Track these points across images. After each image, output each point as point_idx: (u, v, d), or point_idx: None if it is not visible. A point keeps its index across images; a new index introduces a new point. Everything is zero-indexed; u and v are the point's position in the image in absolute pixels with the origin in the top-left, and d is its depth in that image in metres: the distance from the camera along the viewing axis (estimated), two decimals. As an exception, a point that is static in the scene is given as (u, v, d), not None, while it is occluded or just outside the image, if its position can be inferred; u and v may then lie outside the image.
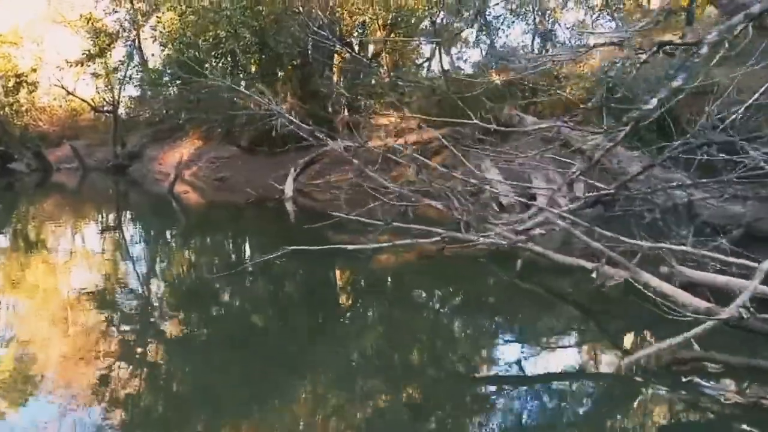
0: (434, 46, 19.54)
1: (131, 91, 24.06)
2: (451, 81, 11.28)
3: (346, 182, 12.10)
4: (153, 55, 14.58)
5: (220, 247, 8.47)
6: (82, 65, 18.78)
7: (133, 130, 24.03)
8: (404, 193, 5.14)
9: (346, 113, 11.63)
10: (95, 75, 22.73)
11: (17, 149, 21.73)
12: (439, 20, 11.36)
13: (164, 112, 14.89)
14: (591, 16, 22.86)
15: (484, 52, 19.66)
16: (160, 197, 15.10)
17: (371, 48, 15.53)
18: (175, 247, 8.38)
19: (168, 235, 9.45)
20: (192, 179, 17.93)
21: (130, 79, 17.37)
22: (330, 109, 11.78)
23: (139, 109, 18.79)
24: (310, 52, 11.96)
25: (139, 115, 18.37)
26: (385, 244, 4.83)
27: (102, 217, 11.88)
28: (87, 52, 18.15)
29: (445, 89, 10.98)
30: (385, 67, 12.59)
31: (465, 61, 15.58)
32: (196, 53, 11.81)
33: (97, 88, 25.49)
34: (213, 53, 11.70)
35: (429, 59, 17.07)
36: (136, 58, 19.12)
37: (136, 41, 20.38)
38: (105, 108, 22.93)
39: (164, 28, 12.51)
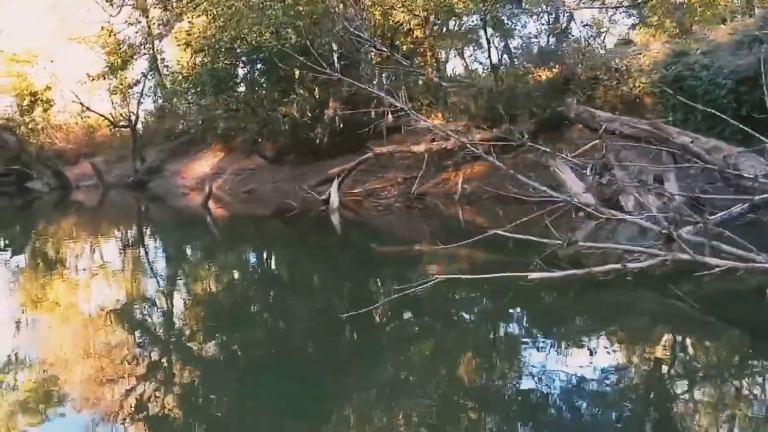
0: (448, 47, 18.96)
1: (149, 104, 23.77)
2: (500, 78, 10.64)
3: (393, 189, 11.46)
4: (187, 62, 13.85)
5: (295, 270, 7.21)
6: (104, 78, 18.31)
7: (149, 145, 23.58)
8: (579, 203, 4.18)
9: (390, 117, 11.03)
10: (114, 90, 22.32)
11: (36, 168, 21.27)
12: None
13: (199, 122, 14.28)
14: (606, 11, 22.26)
15: (499, 52, 19.09)
16: (188, 212, 14.50)
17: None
18: (240, 268, 7.50)
19: (221, 254, 8.61)
20: (217, 192, 17.35)
21: (162, 88, 16.60)
22: (372, 114, 11.14)
23: (167, 122, 18.09)
24: (334, 56, 11.34)
25: (172, 127, 17.70)
26: (577, 271, 3.44)
27: (139, 235, 11.13)
28: (110, 65, 17.67)
29: (492, 87, 10.33)
30: (430, 68, 11.97)
31: (477, 61, 14.98)
32: (233, 59, 11.14)
33: (113, 102, 25.19)
34: (252, 57, 10.97)
35: (445, 61, 16.51)
36: (160, 69, 18.57)
37: (154, 52, 19.87)
38: (121, 123, 22.51)
39: (198, 34, 11.85)
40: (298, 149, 16.62)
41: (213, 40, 11.18)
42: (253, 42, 10.10)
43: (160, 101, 18.60)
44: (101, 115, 22.54)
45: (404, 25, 12.92)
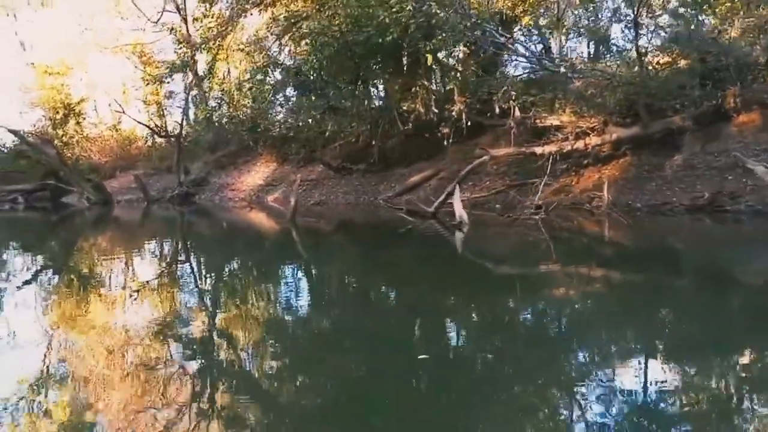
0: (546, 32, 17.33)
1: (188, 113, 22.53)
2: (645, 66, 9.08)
3: (533, 199, 9.85)
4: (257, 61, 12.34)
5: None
6: (161, 83, 17.05)
7: (192, 157, 22.32)
8: None
9: (517, 113, 9.48)
10: (149, 101, 21.11)
11: (76, 182, 19.99)
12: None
13: (298, 124, 12.77)
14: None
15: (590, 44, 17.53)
16: (265, 229, 12.79)
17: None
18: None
19: (366, 296, 5.84)
20: (277, 206, 15.86)
21: (250, 89, 14.57)
22: (497, 110, 9.58)
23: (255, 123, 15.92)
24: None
25: (270, 130, 15.64)
26: None
27: (238, 259, 8.42)
28: (171, 65, 16.33)
29: (635, 77, 8.77)
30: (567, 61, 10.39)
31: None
32: (348, 48, 9.46)
33: (149, 113, 24.07)
34: (377, 43, 9.25)
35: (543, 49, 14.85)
36: (223, 74, 17.17)
37: (192, 63, 18.50)
38: (163, 133, 21.29)
39: (307, 29, 10.21)
40: (366, 157, 15.21)
41: (326, 26, 9.49)
42: (386, 20, 8.47)
43: (224, 105, 17.05)
44: (146, 126, 21.28)
45: (507, 12, 11.43)
